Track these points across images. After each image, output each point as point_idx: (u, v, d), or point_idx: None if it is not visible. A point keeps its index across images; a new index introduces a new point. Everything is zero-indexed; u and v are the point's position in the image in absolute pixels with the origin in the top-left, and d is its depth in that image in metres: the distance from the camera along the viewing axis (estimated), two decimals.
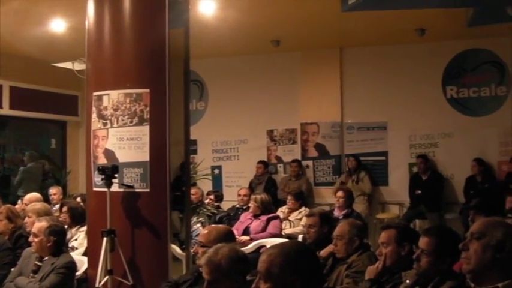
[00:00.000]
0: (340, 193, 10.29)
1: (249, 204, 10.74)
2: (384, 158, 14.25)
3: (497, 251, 3.32)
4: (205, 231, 5.58)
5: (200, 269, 4.75)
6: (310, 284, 3.47)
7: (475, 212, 7.07)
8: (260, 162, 14.54)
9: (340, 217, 9.48)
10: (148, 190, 7.10)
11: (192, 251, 7.41)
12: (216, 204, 12.43)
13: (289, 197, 11.49)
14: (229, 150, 15.29)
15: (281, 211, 11.39)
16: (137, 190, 7.11)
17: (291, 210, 11.23)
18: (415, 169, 13.86)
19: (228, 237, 5.39)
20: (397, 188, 14.07)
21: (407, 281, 4.92)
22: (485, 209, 7.05)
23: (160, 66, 7.20)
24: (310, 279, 3.48)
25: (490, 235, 3.37)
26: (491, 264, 3.33)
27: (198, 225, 10.39)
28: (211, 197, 12.54)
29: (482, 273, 3.37)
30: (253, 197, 10.66)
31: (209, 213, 11.36)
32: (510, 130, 13.46)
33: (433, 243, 4.64)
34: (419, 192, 13.32)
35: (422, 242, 4.70)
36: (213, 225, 7.04)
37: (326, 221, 7.36)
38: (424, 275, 4.67)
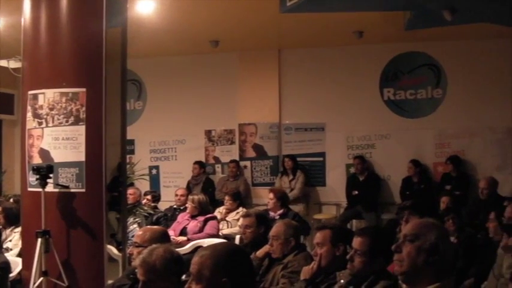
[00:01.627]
0: (270, 195, 10.27)
1: (187, 205, 10.71)
2: (321, 158, 14.30)
3: (429, 254, 3.36)
4: (140, 232, 5.57)
5: (136, 270, 4.72)
6: (241, 285, 3.48)
7: (410, 213, 7.16)
8: (196, 162, 14.47)
9: (277, 217, 9.52)
10: (83, 190, 7.03)
11: (127, 251, 7.37)
12: (153, 204, 12.34)
13: (226, 198, 11.51)
14: (167, 150, 15.20)
15: (219, 211, 11.40)
16: (72, 190, 7.03)
17: (229, 211, 11.25)
18: (352, 170, 13.92)
19: (163, 237, 5.38)
20: (334, 188, 14.14)
21: (342, 281, 4.97)
22: (419, 210, 7.14)
23: (97, 65, 7.13)
24: (242, 280, 3.48)
25: (423, 238, 3.40)
26: (424, 267, 3.36)
27: (135, 225, 10.29)
28: (148, 197, 12.45)
29: (415, 275, 3.40)
30: (190, 197, 10.64)
31: (146, 214, 11.28)
32: (446, 132, 13.67)
33: (366, 243, 4.69)
34: (356, 192, 13.40)
35: (356, 242, 4.76)
36: (148, 226, 7.03)
37: (262, 221, 7.40)
38: (357, 275, 4.72)
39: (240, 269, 3.51)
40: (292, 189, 13.37)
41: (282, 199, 10.16)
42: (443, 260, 3.38)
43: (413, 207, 7.24)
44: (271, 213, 9.94)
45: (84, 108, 7.03)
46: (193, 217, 10.32)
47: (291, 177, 13.68)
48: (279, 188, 11.85)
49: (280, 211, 9.90)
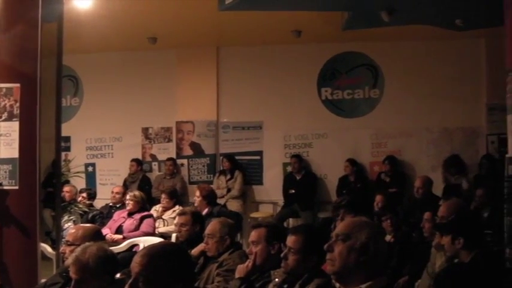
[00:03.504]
0: (196, 193, 10.25)
1: (126, 202, 10.61)
2: (258, 157, 14.32)
3: (361, 254, 3.38)
4: (73, 230, 5.52)
5: (68, 269, 4.67)
6: (182, 283, 3.48)
7: (345, 211, 7.19)
8: (133, 160, 14.37)
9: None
10: (17, 187, 6.92)
11: (60, 250, 7.29)
12: (88, 202, 12.24)
13: (163, 196, 11.45)
14: (104, 148, 15.02)
15: (155, 209, 11.35)
16: (5, 187, 6.91)
17: (165, 209, 11.20)
18: (289, 168, 13.98)
19: (96, 236, 5.33)
20: (271, 187, 14.17)
21: (276, 280, 4.97)
22: (354, 208, 7.18)
23: (32, 60, 7.02)
24: (182, 278, 3.49)
25: (354, 237, 3.43)
26: (355, 266, 3.39)
27: (70, 223, 10.19)
28: (84, 194, 12.32)
29: (346, 274, 3.42)
30: (131, 194, 10.57)
31: (81, 212, 11.16)
32: (382, 132, 13.81)
33: (300, 241, 4.71)
34: (293, 191, 13.45)
35: (290, 240, 4.77)
36: (80, 224, 6.96)
37: (198, 219, 7.39)
38: (292, 273, 4.73)
39: (180, 268, 3.53)
40: (229, 189, 13.37)
41: (209, 197, 10.13)
42: (375, 259, 3.40)
43: (348, 206, 7.28)
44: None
45: (18, 104, 6.92)
46: (129, 215, 10.25)
47: (228, 176, 13.67)
48: (205, 186, 11.80)
49: (206, 210, 9.84)
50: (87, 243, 4.56)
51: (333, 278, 3.52)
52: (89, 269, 4.31)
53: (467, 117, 13.55)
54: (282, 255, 4.82)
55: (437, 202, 8.75)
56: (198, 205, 10.02)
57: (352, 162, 13.49)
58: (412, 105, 13.65)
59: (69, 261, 4.55)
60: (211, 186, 11.72)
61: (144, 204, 10.54)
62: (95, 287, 4.34)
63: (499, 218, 7.67)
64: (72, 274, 4.37)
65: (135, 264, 3.53)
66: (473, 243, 5.33)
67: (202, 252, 6.49)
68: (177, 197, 11.93)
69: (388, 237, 7.81)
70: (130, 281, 3.53)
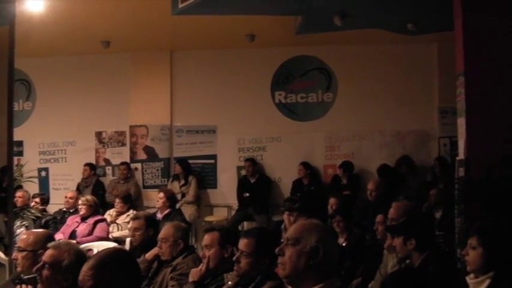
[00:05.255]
0: (160, 194, 10.36)
1: (78, 207, 10.54)
2: (212, 161, 14.32)
3: (311, 258, 3.42)
4: (24, 236, 5.47)
5: (22, 275, 4.66)
6: None
7: (298, 214, 7.24)
8: (87, 164, 14.23)
9: (161, 218, 9.61)
10: None
11: (12, 256, 7.23)
12: (41, 207, 12.10)
13: (117, 200, 11.37)
14: (57, 152, 14.89)
15: (109, 214, 11.28)
16: None
17: (119, 213, 11.13)
18: (243, 172, 14.01)
19: (48, 241, 5.28)
20: (226, 190, 14.19)
21: (229, 283, 4.99)
22: (307, 211, 7.23)
23: None
24: (129, 285, 3.50)
25: (304, 241, 3.46)
26: (305, 270, 3.42)
27: (22, 229, 10.09)
28: (37, 199, 12.17)
29: (297, 278, 3.46)
30: (83, 198, 10.50)
31: (34, 217, 11.05)
32: (336, 135, 13.90)
33: (252, 244, 4.74)
34: (247, 194, 13.47)
35: (242, 243, 4.79)
36: (32, 230, 6.90)
37: (151, 223, 7.39)
38: (244, 276, 4.75)
39: (127, 275, 3.54)
40: (183, 194, 13.34)
41: (171, 199, 10.27)
42: (325, 262, 3.44)
43: (301, 209, 7.34)
44: (158, 215, 10.02)
45: None
46: (83, 220, 10.18)
47: (182, 182, 13.64)
48: (167, 188, 11.88)
49: (167, 211, 9.99)
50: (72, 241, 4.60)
51: (285, 281, 3.56)
52: (59, 262, 4.31)
53: (420, 120, 13.70)
54: (234, 258, 4.85)
55: (391, 204, 8.82)
56: (161, 207, 10.12)
57: (306, 165, 13.55)
58: (365, 108, 13.77)
59: (44, 258, 4.53)
60: None
61: (97, 208, 10.48)
62: (55, 280, 4.33)
63: (450, 219, 7.79)
64: (44, 257, 4.37)
65: (84, 276, 3.54)
66: (425, 244, 5.39)
67: (156, 256, 6.49)
68: (131, 201, 11.86)
69: (341, 240, 7.88)
70: None
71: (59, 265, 4.34)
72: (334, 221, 8.06)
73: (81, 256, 4.49)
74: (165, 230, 6.40)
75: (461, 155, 7.52)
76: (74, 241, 9.72)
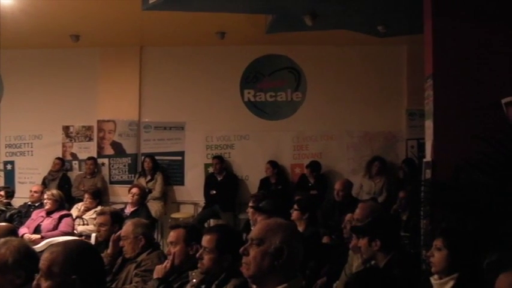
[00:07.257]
0: (134, 190, 10.40)
1: (44, 201, 10.47)
2: (180, 158, 14.28)
3: (275, 258, 3.43)
4: None
5: None
6: (91, 283, 3.45)
7: (262, 213, 7.25)
8: (58, 158, 14.17)
9: (128, 214, 9.61)
10: None
11: None
12: (6, 201, 11.98)
13: (86, 195, 11.29)
14: (23, 146, 14.75)
15: (77, 208, 11.21)
16: None
17: (87, 209, 11.05)
18: (210, 169, 14.00)
19: (10, 235, 5.26)
20: (193, 187, 14.15)
21: (194, 280, 4.98)
22: (273, 211, 7.23)
23: None
24: (91, 278, 3.46)
25: (268, 242, 3.47)
26: (270, 270, 3.43)
27: None
28: (2, 193, 12.04)
29: (261, 278, 3.47)
30: (48, 192, 10.43)
31: None
32: (304, 134, 13.94)
33: (214, 240, 4.74)
34: (214, 192, 13.45)
35: (204, 240, 4.80)
36: None
37: (117, 219, 7.38)
38: (208, 272, 4.74)
39: (90, 268, 3.51)
40: (150, 190, 13.28)
41: (143, 195, 10.32)
42: (290, 262, 3.46)
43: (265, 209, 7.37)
44: (126, 211, 10.01)
45: None
46: (48, 214, 10.12)
47: (148, 178, 13.59)
48: (142, 185, 11.89)
49: (136, 207, 10.02)
50: (8, 238, 4.50)
51: (249, 281, 3.55)
52: (4, 262, 4.25)
53: (388, 121, 13.78)
54: (197, 255, 4.84)
55: (357, 205, 8.85)
56: (134, 202, 10.18)
57: (273, 164, 13.57)
58: (334, 109, 13.83)
59: None
60: None
61: (63, 203, 10.42)
62: (6, 281, 4.26)
63: (416, 220, 7.84)
64: None
65: (45, 262, 3.49)
66: (390, 246, 5.42)
67: (121, 252, 6.47)
68: (101, 197, 11.81)
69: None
70: (38, 276, 3.50)
71: (5, 265, 4.27)
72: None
73: (25, 248, 4.42)
74: (125, 228, 6.46)
75: (428, 157, 7.57)
76: (39, 236, 9.71)
